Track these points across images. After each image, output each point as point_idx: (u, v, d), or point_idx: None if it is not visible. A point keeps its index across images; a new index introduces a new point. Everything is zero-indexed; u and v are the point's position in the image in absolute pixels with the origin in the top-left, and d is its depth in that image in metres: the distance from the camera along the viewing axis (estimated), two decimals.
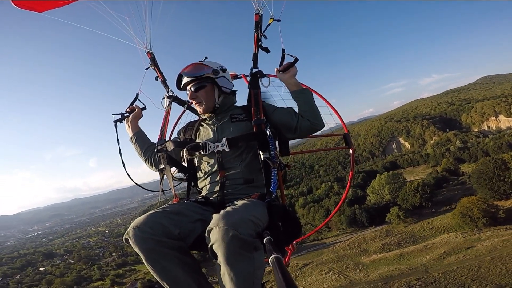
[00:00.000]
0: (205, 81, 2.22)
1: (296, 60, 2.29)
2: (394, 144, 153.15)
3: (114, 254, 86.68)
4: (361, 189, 75.38)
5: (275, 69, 2.37)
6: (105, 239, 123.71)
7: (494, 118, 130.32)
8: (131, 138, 2.58)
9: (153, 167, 2.44)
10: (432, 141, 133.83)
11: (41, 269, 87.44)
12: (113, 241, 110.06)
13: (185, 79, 2.25)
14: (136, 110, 2.64)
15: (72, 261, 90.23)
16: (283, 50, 2.35)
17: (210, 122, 2.29)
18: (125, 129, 2.63)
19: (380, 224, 55.34)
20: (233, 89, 2.41)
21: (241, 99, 2.47)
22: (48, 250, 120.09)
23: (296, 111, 2.25)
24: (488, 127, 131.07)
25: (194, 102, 2.27)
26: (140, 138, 2.56)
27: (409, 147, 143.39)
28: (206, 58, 2.35)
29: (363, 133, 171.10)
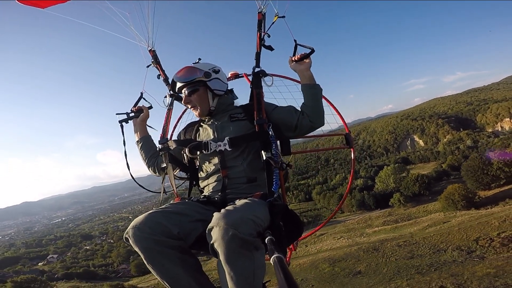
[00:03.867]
0: (197, 84, 2.17)
1: (312, 51, 2.13)
2: (409, 141, 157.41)
3: None
4: (371, 180, 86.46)
5: (289, 58, 2.24)
6: None
7: (508, 119, 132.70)
8: (137, 142, 2.52)
9: (156, 173, 2.42)
10: (445, 140, 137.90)
11: (86, 247, 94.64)
12: None
13: (178, 84, 2.24)
14: (144, 111, 2.56)
15: (112, 241, 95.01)
16: (296, 41, 2.21)
17: (209, 123, 2.26)
18: (132, 130, 2.56)
19: (385, 208, 64.49)
20: (229, 88, 2.35)
21: (244, 99, 2.40)
22: (83, 233, 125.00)
23: (298, 108, 2.19)
24: (502, 127, 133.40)
25: (189, 106, 2.25)
26: (146, 143, 2.50)
27: (423, 145, 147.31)
28: (199, 59, 2.31)
29: (379, 129, 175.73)
